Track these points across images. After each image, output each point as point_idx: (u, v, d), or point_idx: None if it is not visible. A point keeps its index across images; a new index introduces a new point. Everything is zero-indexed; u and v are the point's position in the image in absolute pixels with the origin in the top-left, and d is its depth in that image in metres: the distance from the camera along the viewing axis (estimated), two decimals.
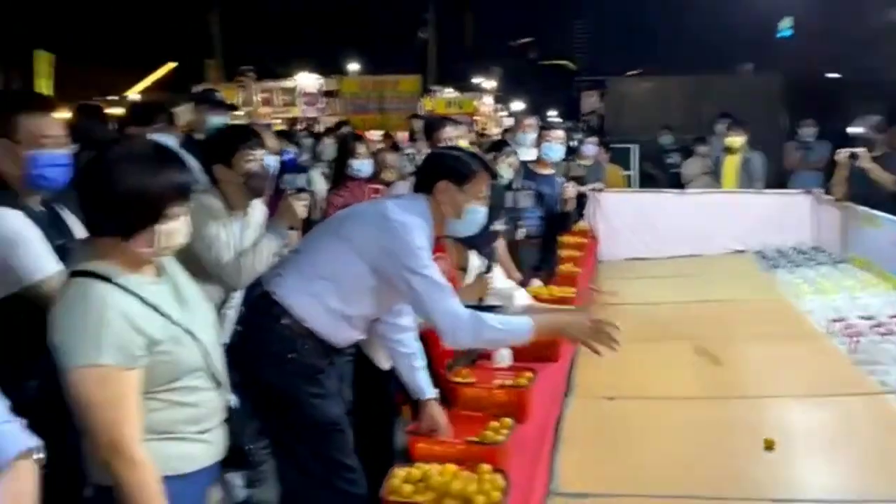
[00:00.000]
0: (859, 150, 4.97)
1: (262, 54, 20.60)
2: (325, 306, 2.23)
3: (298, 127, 10.86)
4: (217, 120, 4.43)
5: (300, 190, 2.81)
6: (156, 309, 1.62)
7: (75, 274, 1.60)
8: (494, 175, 2.48)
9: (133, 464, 1.54)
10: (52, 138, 2.05)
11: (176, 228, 1.63)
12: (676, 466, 2.37)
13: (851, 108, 9.11)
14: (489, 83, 24.64)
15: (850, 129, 5.66)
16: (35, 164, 2.03)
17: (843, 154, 5.14)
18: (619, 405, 2.90)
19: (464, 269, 2.88)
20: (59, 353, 1.55)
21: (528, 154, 4.94)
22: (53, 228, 2.11)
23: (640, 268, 5.86)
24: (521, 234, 4.27)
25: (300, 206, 2.76)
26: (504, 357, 2.99)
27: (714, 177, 7.16)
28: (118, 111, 8.45)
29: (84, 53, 19.29)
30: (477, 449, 2.21)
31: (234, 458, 1.84)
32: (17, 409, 1.49)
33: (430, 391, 2.43)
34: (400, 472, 2.08)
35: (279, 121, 12.19)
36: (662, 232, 6.22)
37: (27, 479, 1.36)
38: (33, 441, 1.41)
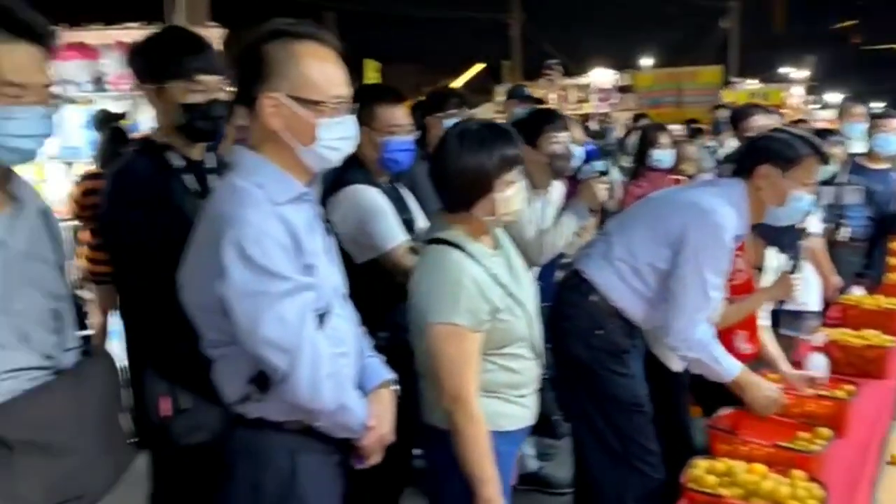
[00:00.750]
0: None
1: (557, 51, 21.08)
2: (631, 287, 2.27)
3: (590, 123, 10.93)
4: (523, 113, 4.67)
5: (602, 174, 2.87)
6: (496, 279, 1.78)
7: (432, 241, 1.82)
8: (826, 159, 2.28)
9: (471, 417, 1.72)
10: (400, 126, 2.35)
11: (511, 195, 1.78)
12: None
13: None
14: (800, 73, 22.32)
15: None
16: (388, 149, 2.33)
17: None
18: None
19: (760, 269, 2.70)
20: (418, 311, 1.78)
21: (857, 146, 4.42)
22: (399, 203, 2.42)
23: None
24: (843, 234, 3.85)
25: (601, 189, 2.83)
26: (819, 366, 2.75)
27: None
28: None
29: (405, 58, 21.57)
30: (789, 454, 2.08)
31: (542, 426, 1.96)
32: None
33: (739, 364, 2.33)
34: (702, 463, 2.03)
35: (573, 117, 12.36)
36: None
37: (387, 404, 1.63)
38: (391, 374, 1.67)
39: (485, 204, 1.76)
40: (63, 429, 1.29)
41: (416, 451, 2.31)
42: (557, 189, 3.09)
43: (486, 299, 1.73)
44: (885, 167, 4.17)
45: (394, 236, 2.26)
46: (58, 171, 5.06)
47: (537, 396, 1.92)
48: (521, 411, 1.87)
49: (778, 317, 3.23)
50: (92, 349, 1.50)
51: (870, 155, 4.20)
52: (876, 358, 2.95)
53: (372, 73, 14.97)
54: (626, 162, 5.32)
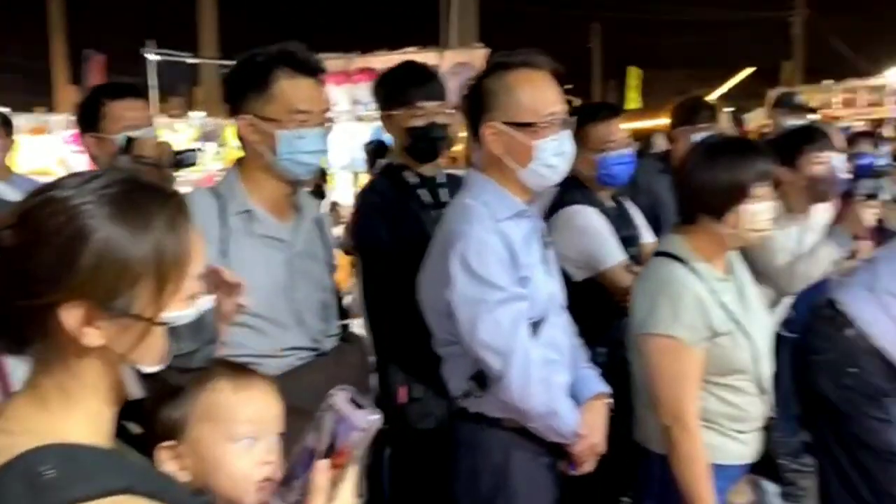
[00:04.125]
0: None
1: (850, 50, 18.88)
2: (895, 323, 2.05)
3: (883, 130, 9.63)
4: (792, 123, 4.33)
5: (870, 196, 2.56)
6: (719, 301, 1.73)
7: (658, 254, 1.83)
8: None
9: (691, 433, 1.68)
10: (615, 141, 2.37)
11: (760, 210, 1.72)
12: None
13: None
14: None
15: None
16: (603, 165, 2.37)
17: None
18: None
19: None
20: (636, 322, 1.79)
21: None
22: (621, 220, 2.44)
23: None
24: None
25: (868, 214, 2.52)
26: None
27: None
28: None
29: (671, 64, 20.92)
30: None
31: (765, 467, 1.85)
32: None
33: None
34: None
35: (861, 123, 11.00)
36: None
37: (600, 415, 1.70)
38: (605, 387, 1.74)
39: (732, 216, 1.71)
40: (322, 400, 1.56)
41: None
42: (822, 213, 2.83)
43: (704, 315, 1.69)
44: None
45: (610, 256, 2.29)
46: (345, 180, 6.14)
47: (760, 435, 1.82)
48: (739, 447, 1.79)
49: None
50: (350, 336, 1.78)
51: None
52: None
53: (634, 80, 14.75)
54: None
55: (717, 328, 1.71)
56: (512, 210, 1.62)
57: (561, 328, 1.71)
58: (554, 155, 1.62)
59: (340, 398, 0.87)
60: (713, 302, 1.71)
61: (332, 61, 7.51)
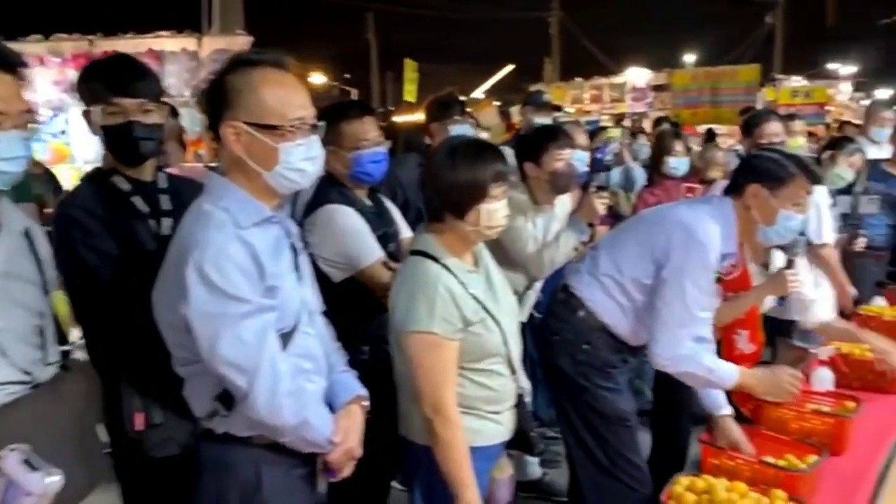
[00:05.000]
0: None
1: (597, 50, 20.91)
2: (618, 303, 2.27)
3: (625, 122, 10.81)
4: (540, 120, 4.66)
5: (600, 188, 2.88)
6: (471, 293, 1.82)
7: (412, 253, 1.87)
8: (817, 180, 2.24)
9: (451, 423, 1.76)
10: (368, 140, 2.37)
11: (497, 208, 1.83)
12: None
13: None
14: (848, 69, 21.66)
15: None
16: (357, 163, 2.36)
17: None
18: None
19: (766, 266, 2.69)
20: (396, 321, 1.82)
21: (883, 152, 4.30)
22: (378, 217, 2.44)
23: None
24: (860, 244, 3.76)
25: (599, 204, 2.83)
26: (824, 380, 2.71)
27: None
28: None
29: (446, 58, 21.70)
30: (774, 472, 2.06)
31: (519, 441, 1.97)
32: (351, 366, 1.83)
33: (725, 407, 2.32)
34: (684, 480, 2.03)
35: (606, 117, 12.27)
36: None
37: (356, 420, 1.68)
38: (363, 390, 1.72)
39: (473, 214, 1.81)
40: (37, 440, 1.37)
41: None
42: (565, 203, 3.09)
43: (458, 308, 1.77)
44: None
45: (368, 254, 2.30)
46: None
47: (513, 413, 1.95)
48: (496, 427, 1.90)
49: (791, 328, 3.18)
50: (71, 363, 1.58)
51: (894, 160, 4.09)
52: (884, 372, 2.88)
53: (411, 72, 15.03)
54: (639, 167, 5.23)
55: (470, 318, 1.80)
56: (257, 216, 1.53)
57: (315, 335, 1.66)
58: (302, 160, 1.55)
59: (11, 460, 0.75)
60: (465, 295, 1.80)
61: (71, 43, 6.76)
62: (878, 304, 3.48)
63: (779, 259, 2.68)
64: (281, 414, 1.50)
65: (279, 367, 1.50)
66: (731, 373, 2.20)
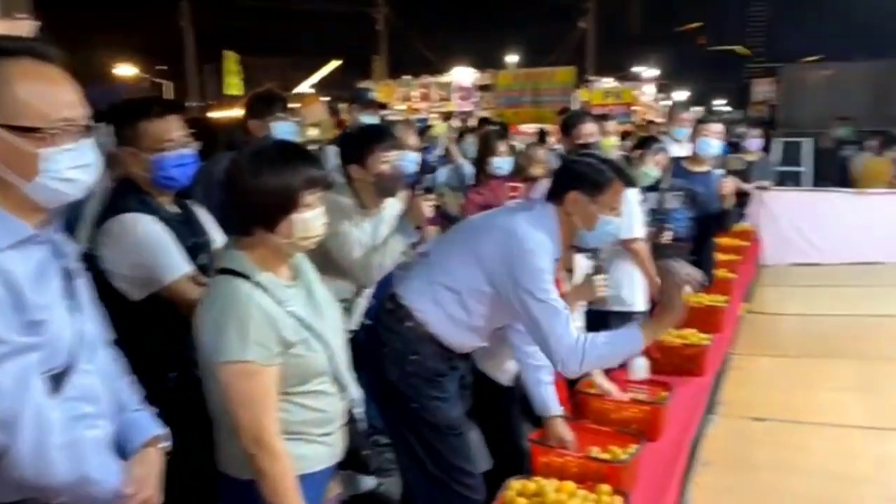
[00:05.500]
0: None
1: (425, 49, 21.17)
2: (447, 313, 2.23)
3: (452, 121, 11.03)
4: (367, 119, 4.57)
5: (428, 190, 2.81)
6: (289, 311, 1.66)
7: (219, 272, 1.67)
8: (631, 183, 2.32)
9: (274, 456, 1.60)
10: (172, 141, 2.11)
11: (311, 217, 1.67)
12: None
13: None
14: (651, 72, 23.66)
15: None
16: (160, 167, 2.10)
17: None
18: (767, 427, 2.68)
19: (570, 271, 2.77)
20: (205, 349, 1.63)
21: (683, 150, 4.64)
22: (186, 226, 2.19)
23: (807, 275, 5.37)
24: (666, 237, 4.04)
25: (426, 207, 2.76)
26: (640, 368, 2.85)
27: None
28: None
29: (272, 51, 20.91)
30: (598, 466, 2.12)
31: (353, 461, 1.87)
32: (158, 397, 1.63)
33: (555, 408, 2.36)
34: (515, 484, 2.04)
35: (435, 115, 12.47)
36: (835, 236, 5.67)
37: (153, 464, 1.47)
38: (160, 429, 1.52)
39: (284, 225, 1.65)
40: None
41: None
42: (394, 206, 3.00)
43: (274, 330, 1.62)
44: (706, 169, 4.42)
45: (173, 268, 2.07)
46: None
47: (344, 432, 1.83)
48: (326, 450, 1.77)
49: (608, 318, 3.33)
50: None
51: (693, 158, 4.44)
52: (694, 356, 3.11)
53: (232, 65, 14.30)
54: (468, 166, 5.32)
55: (290, 339, 1.65)
56: (14, 237, 1.27)
57: (98, 372, 1.42)
58: (70, 167, 1.30)
59: None
60: (282, 314, 1.65)
61: None
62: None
63: (582, 263, 2.76)
64: (52, 472, 1.27)
65: (47, 415, 1.26)
66: (633, 335, 2.11)
